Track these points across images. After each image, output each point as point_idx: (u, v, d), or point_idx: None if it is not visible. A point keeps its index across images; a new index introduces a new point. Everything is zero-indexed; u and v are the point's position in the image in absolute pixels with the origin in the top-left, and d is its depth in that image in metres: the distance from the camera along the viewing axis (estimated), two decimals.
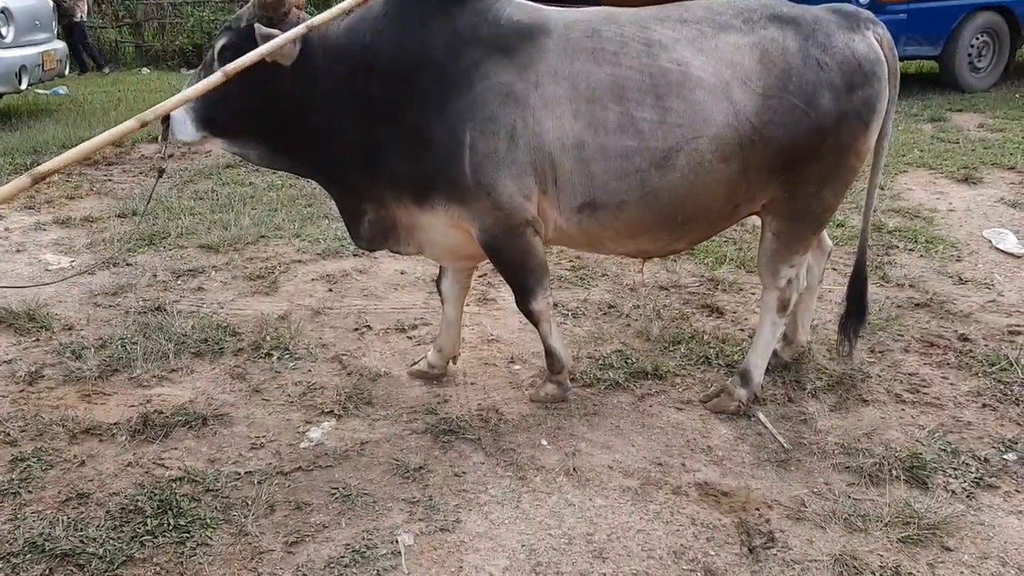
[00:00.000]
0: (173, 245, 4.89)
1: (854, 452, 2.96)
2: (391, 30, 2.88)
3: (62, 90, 10.90)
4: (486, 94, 2.83)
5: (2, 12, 7.98)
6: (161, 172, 3.13)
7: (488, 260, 3.16)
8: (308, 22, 2.79)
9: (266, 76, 2.83)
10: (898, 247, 4.86)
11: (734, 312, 4.10)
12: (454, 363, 3.54)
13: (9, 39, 8.08)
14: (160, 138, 3.00)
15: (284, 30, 2.83)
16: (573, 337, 3.83)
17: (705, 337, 3.80)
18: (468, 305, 4.22)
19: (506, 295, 4.36)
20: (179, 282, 4.43)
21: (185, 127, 2.93)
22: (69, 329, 3.84)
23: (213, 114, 2.93)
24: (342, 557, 2.48)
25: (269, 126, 2.97)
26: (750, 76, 2.81)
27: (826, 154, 2.91)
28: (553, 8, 3.06)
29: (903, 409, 3.25)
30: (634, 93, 2.81)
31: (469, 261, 3.32)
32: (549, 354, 3.27)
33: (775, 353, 3.50)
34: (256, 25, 2.79)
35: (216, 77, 2.56)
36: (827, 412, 3.24)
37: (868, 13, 3.02)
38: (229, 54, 2.82)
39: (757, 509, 2.70)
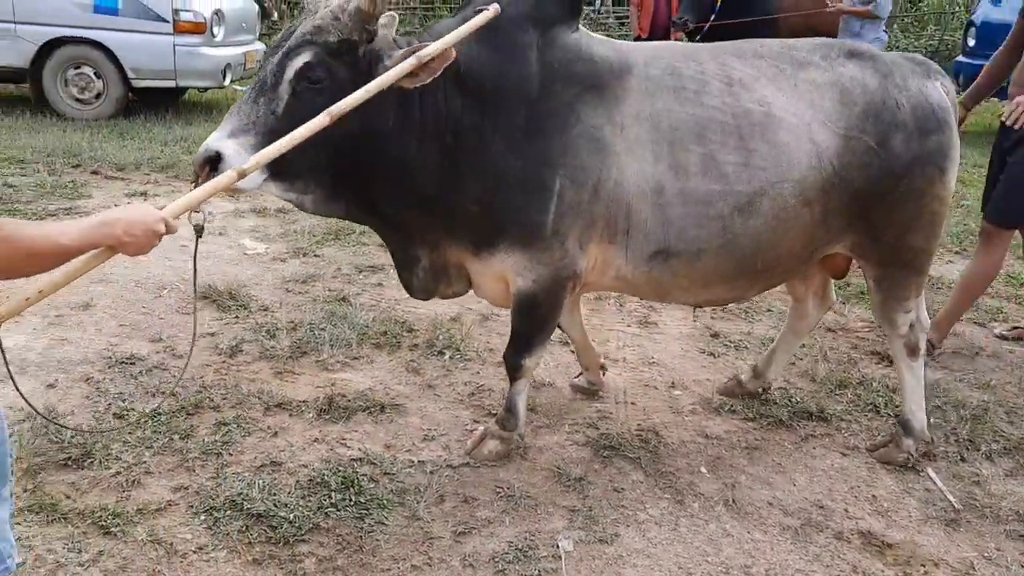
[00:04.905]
0: (356, 241, 5.22)
1: None
2: (488, 59, 2.64)
3: None
4: (579, 139, 2.66)
5: (216, 13, 8.69)
6: (200, 231, 2.10)
7: (512, 309, 2.90)
8: (444, 42, 2.45)
9: (361, 107, 2.36)
10: None
11: None
12: (603, 372, 3.60)
13: (219, 38, 8.79)
14: (196, 186, 2.18)
15: (378, 47, 2.51)
16: (736, 369, 3.84)
17: (874, 384, 3.72)
18: (629, 327, 4.32)
19: (667, 320, 4.42)
20: (361, 276, 4.73)
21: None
22: (265, 310, 4.18)
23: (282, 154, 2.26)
24: (506, 553, 2.61)
25: (344, 164, 2.56)
26: (831, 116, 2.78)
27: (902, 198, 2.86)
28: (627, 43, 3.03)
29: None
30: (717, 134, 2.71)
31: None
32: (509, 410, 3.07)
33: (740, 382, 3.55)
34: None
35: (321, 119, 2.17)
36: (1002, 476, 3.13)
37: (936, 65, 3.03)
38: (321, 73, 2.42)
39: (923, 565, 2.65)
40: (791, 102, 2.78)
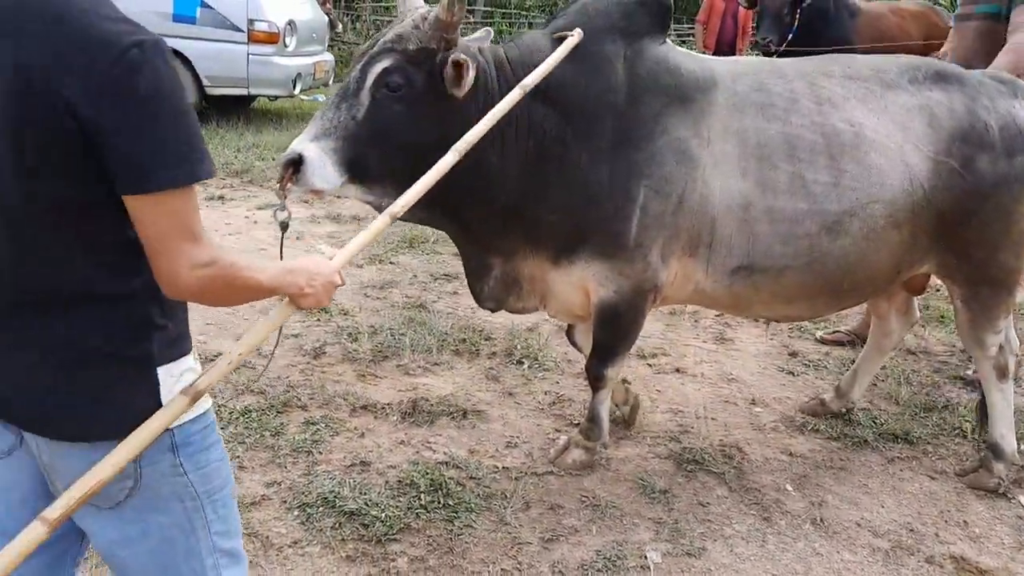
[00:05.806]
0: (430, 250, 5.28)
1: None
2: (575, 68, 2.64)
3: (321, 97, 11.94)
4: (665, 150, 2.67)
5: (289, 24, 8.88)
6: (285, 227, 2.01)
7: (593, 320, 2.88)
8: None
9: (440, 109, 2.48)
10: None
11: None
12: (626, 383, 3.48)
13: (291, 48, 8.98)
14: (280, 186, 2.34)
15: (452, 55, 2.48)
16: (816, 389, 3.81)
17: (960, 409, 3.66)
18: (705, 342, 4.31)
19: (744, 336, 4.40)
20: (436, 284, 4.79)
21: (324, 171, 2.39)
22: (345, 314, 4.26)
23: (362, 154, 2.43)
24: (594, 562, 2.62)
25: (424, 170, 2.33)
26: (921, 139, 2.77)
27: (989, 218, 2.84)
28: (712, 58, 3.02)
29: None
30: (806, 153, 2.71)
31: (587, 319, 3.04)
32: (592, 420, 3.07)
33: (823, 402, 3.53)
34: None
35: (449, 158, 2.18)
36: None
37: (1022, 83, 3.00)
38: (399, 80, 2.46)
39: None
40: (882, 124, 2.78)
